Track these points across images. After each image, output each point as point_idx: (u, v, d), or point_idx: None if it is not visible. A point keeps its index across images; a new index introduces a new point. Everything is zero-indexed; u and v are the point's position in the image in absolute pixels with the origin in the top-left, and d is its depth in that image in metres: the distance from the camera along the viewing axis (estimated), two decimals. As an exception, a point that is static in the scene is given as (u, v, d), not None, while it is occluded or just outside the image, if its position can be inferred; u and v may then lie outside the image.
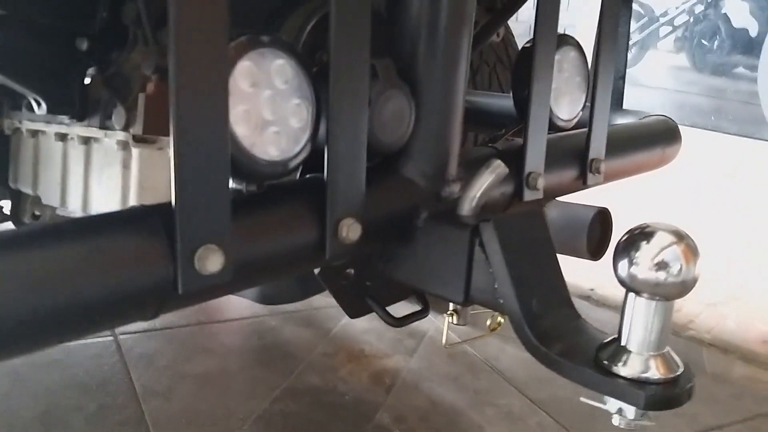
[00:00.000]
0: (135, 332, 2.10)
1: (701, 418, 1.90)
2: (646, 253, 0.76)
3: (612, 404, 0.80)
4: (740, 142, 3.66)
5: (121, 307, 0.66)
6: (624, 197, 2.01)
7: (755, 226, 2.70)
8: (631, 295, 0.78)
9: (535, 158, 1.05)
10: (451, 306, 1.01)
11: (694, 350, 2.31)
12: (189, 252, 0.66)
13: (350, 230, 0.79)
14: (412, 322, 1.01)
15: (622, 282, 0.77)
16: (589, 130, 1.17)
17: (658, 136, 1.42)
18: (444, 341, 1.09)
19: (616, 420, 0.81)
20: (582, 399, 0.85)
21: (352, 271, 0.97)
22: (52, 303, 0.61)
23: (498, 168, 0.91)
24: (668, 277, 0.75)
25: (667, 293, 0.76)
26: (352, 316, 1.00)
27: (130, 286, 0.65)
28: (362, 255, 0.93)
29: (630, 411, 0.79)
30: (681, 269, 0.75)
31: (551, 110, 1.09)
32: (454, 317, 1.01)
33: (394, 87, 0.87)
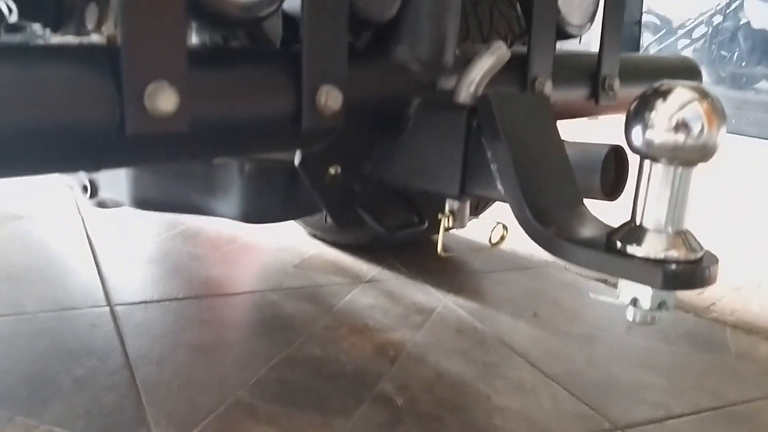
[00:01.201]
0: (131, 303, 2.03)
1: (725, 393, 1.78)
2: (662, 112, 0.67)
3: (625, 294, 0.71)
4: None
5: (60, 146, 0.57)
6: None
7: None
8: (647, 163, 0.69)
9: (541, 61, 0.96)
10: (447, 207, 0.92)
11: (716, 330, 2.20)
12: (137, 87, 0.58)
13: (329, 97, 0.71)
14: (406, 231, 0.92)
15: (635, 149, 0.68)
16: (602, 43, 1.08)
17: (677, 71, 1.33)
18: (439, 249, 1.00)
19: (630, 313, 0.71)
20: (591, 295, 0.76)
21: (339, 170, 0.88)
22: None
23: (499, 49, 0.82)
24: (688, 139, 0.66)
25: (687, 158, 0.66)
26: (341, 226, 0.92)
27: (70, 121, 0.56)
28: (346, 144, 0.85)
29: (646, 298, 0.69)
30: (703, 130, 0.66)
31: (561, 13, 1.00)
32: (450, 219, 0.92)
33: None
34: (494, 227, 0.92)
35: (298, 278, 2.30)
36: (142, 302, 2.03)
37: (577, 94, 1.09)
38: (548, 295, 2.34)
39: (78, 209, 2.93)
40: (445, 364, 1.83)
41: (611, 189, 1.27)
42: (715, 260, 0.69)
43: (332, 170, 0.87)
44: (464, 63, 0.85)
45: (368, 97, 0.78)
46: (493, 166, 0.76)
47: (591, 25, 1.10)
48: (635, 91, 1.23)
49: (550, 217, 0.74)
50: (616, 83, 1.11)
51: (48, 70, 0.57)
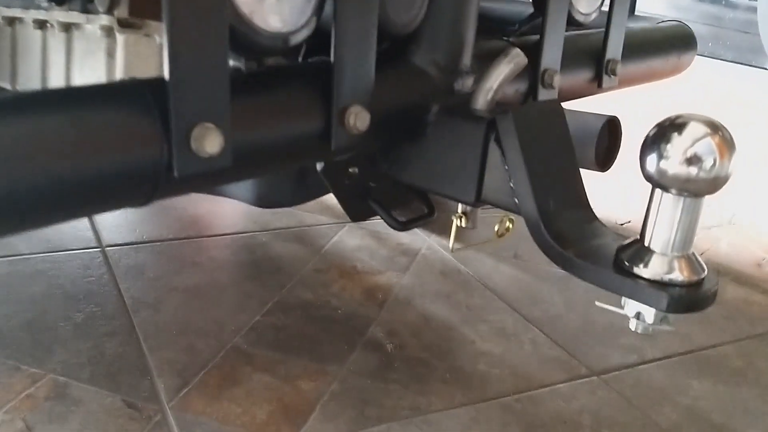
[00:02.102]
0: (122, 245, 2.05)
1: (694, 337, 1.89)
2: (677, 145, 0.70)
3: (630, 308, 0.77)
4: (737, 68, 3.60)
5: (111, 189, 0.60)
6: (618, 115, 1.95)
7: (750, 151, 2.67)
8: (658, 191, 0.73)
9: (552, 53, 0.98)
10: (460, 208, 0.96)
11: (687, 272, 2.31)
12: (184, 131, 0.60)
13: (358, 119, 0.73)
14: (417, 225, 0.96)
15: (649, 177, 0.72)
16: (608, 28, 1.10)
17: (674, 42, 1.35)
18: (451, 245, 1.05)
19: (633, 324, 0.78)
20: (597, 303, 0.81)
21: (356, 170, 0.91)
22: (32, 179, 0.55)
23: (517, 57, 0.84)
24: (700, 172, 0.70)
25: (698, 189, 0.71)
26: (354, 219, 0.96)
27: (120, 165, 0.59)
28: (369, 150, 0.87)
29: (649, 314, 0.75)
30: (715, 164, 0.70)
31: (570, 2, 1.01)
32: (463, 220, 0.96)
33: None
34: (502, 220, 0.97)
35: (286, 218, 2.33)
36: (132, 243, 2.06)
37: (581, 78, 1.11)
38: (528, 235, 2.42)
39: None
40: (431, 308, 1.91)
41: (604, 160, 1.32)
42: (715, 280, 0.75)
43: (350, 170, 0.90)
44: (480, 65, 0.87)
45: (390, 105, 0.80)
46: (511, 182, 0.79)
47: (599, 12, 1.11)
48: (632, 67, 1.26)
49: (566, 237, 0.78)
50: (619, 66, 1.13)
51: (98, 116, 0.58)
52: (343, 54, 0.71)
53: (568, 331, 1.86)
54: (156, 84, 0.59)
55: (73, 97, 0.58)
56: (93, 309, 1.73)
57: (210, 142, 0.60)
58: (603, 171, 1.31)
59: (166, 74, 0.58)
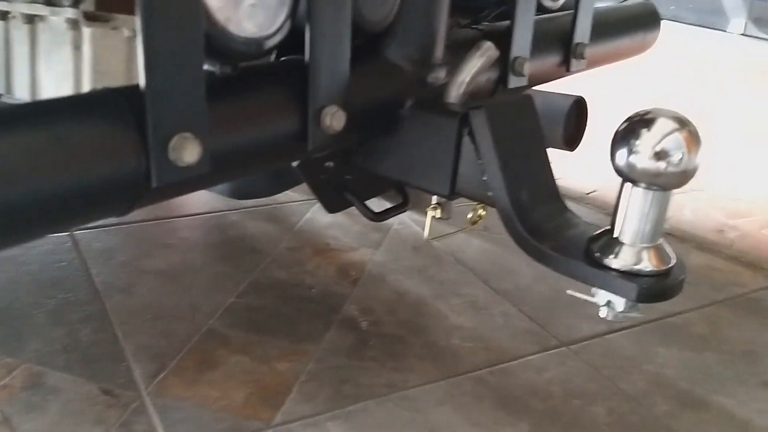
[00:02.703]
0: (91, 228, 2.02)
1: (660, 305, 1.94)
2: (646, 141, 0.72)
3: (601, 297, 0.79)
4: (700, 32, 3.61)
5: (90, 203, 0.60)
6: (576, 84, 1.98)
7: (712, 116, 2.71)
8: (628, 185, 0.75)
9: (522, 41, 0.99)
10: (435, 199, 0.97)
11: (652, 240, 2.36)
12: (162, 141, 0.60)
13: (334, 119, 0.73)
14: (392, 216, 0.97)
15: (619, 171, 0.74)
16: (576, 11, 1.11)
17: (640, 21, 1.37)
18: (426, 235, 1.06)
19: (603, 312, 0.80)
20: (569, 292, 0.84)
21: (332, 164, 0.92)
22: (10, 196, 0.55)
23: (489, 51, 0.85)
24: (669, 167, 0.72)
25: (666, 183, 0.73)
26: (330, 211, 0.96)
27: (98, 179, 0.58)
28: (345, 146, 0.88)
29: (619, 303, 0.78)
30: (682, 158, 0.72)
31: (538, -11, 1.02)
32: (438, 211, 0.97)
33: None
34: (475, 208, 0.98)
35: (257, 195, 2.32)
36: (101, 227, 2.04)
37: (550, 62, 1.12)
38: (497, 207, 2.45)
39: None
40: (404, 284, 1.93)
41: (571, 140, 1.34)
42: (683, 269, 0.78)
43: (326, 165, 0.91)
44: (453, 56, 0.87)
45: (365, 101, 0.80)
46: (485, 176, 0.81)
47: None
48: (599, 49, 1.28)
49: (540, 229, 0.80)
50: (587, 50, 1.14)
51: (74, 130, 0.57)
52: (318, 55, 0.71)
53: (538, 302, 1.90)
54: (131, 93, 0.59)
55: (48, 110, 0.58)
56: (65, 295, 1.72)
57: (188, 151, 0.60)
58: (571, 150, 1.33)
59: (143, 84, 0.58)
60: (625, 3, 1.40)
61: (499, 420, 1.46)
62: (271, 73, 0.74)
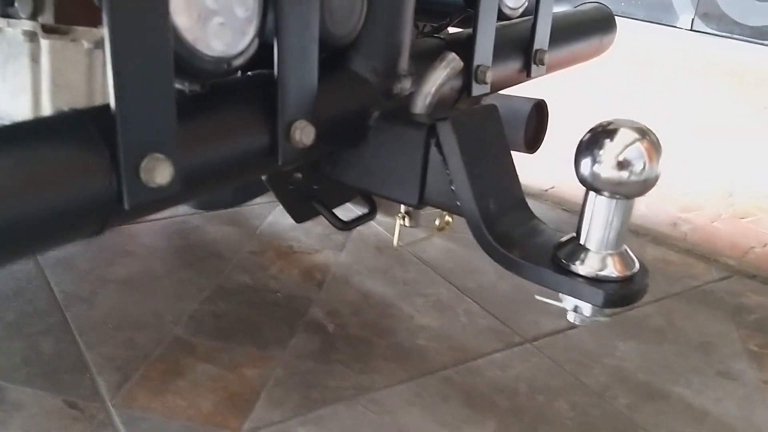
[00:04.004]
0: (48, 236, 1.98)
1: (618, 299, 2.00)
2: (609, 151, 0.74)
3: (568, 302, 0.81)
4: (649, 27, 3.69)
5: (61, 226, 0.59)
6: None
7: (663, 111, 2.77)
8: (592, 193, 0.77)
9: (484, 49, 1.00)
10: (403, 208, 0.99)
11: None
12: (133, 163, 0.60)
13: (303, 133, 0.73)
14: (360, 224, 0.98)
15: (583, 181, 0.76)
16: (535, 19, 1.13)
17: (596, 25, 1.40)
18: (395, 242, 1.08)
19: (571, 317, 0.82)
20: (537, 297, 0.86)
21: (300, 175, 0.92)
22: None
23: (453, 62, 0.86)
24: (631, 176, 0.74)
25: (629, 192, 0.75)
26: (297, 221, 0.97)
27: (69, 201, 0.58)
28: (313, 159, 0.88)
29: (587, 308, 0.80)
30: (644, 167, 0.74)
31: (499, -2, 1.04)
32: (406, 219, 0.98)
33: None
34: (442, 215, 1.00)
35: (217, 199, 2.30)
36: (60, 234, 1.99)
37: (510, 69, 1.14)
38: (458, 205, 2.47)
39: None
40: (368, 285, 1.94)
41: (532, 142, 1.36)
42: (647, 272, 0.80)
43: (294, 176, 0.91)
44: (417, 66, 0.88)
45: (333, 114, 0.80)
46: (453, 185, 0.82)
47: (526, 5, 1.14)
48: (558, 54, 1.30)
49: (507, 237, 0.81)
50: (547, 56, 1.16)
51: (43, 153, 0.56)
52: (287, 71, 0.71)
53: (501, 299, 1.93)
54: (101, 114, 0.58)
55: (19, 133, 0.57)
56: (23, 306, 1.69)
57: (160, 173, 0.60)
58: (531, 153, 1.35)
59: (113, 105, 0.57)
60: (580, 8, 1.43)
61: (466, 419, 1.48)
62: (240, 90, 0.74)
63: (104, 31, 0.57)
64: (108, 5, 0.55)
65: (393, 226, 2.22)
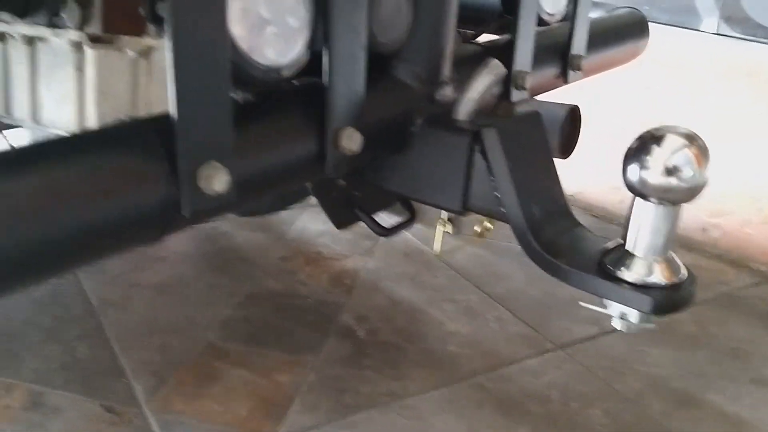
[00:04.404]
0: (81, 242, 2.01)
1: (649, 305, 1.98)
2: (657, 157, 0.74)
3: (614, 309, 0.81)
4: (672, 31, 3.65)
5: (123, 233, 0.60)
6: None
7: (691, 113, 2.74)
8: (639, 200, 0.77)
9: (523, 55, 1.01)
10: (445, 214, 0.99)
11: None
12: (192, 171, 0.60)
13: (351, 140, 0.74)
14: (401, 231, 0.98)
15: (631, 187, 0.76)
16: (572, 24, 1.13)
17: (630, 30, 1.39)
18: (437, 249, 1.08)
19: (618, 324, 0.82)
20: (581, 303, 0.85)
21: (343, 182, 0.93)
22: (45, 231, 0.55)
23: (496, 68, 0.87)
24: (679, 182, 0.74)
25: (677, 198, 0.75)
26: (339, 227, 0.97)
27: (130, 209, 0.59)
28: (359, 166, 0.89)
29: (634, 315, 0.79)
30: (692, 173, 0.74)
31: (538, 4, 1.04)
32: (448, 226, 0.98)
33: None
34: (482, 221, 1.00)
35: (246, 205, 2.31)
36: (92, 240, 2.02)
37: (548, 74, 1.14)
38: (485, 211, 2.47)
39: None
40: (398, 291, 1.94)
41: (566, 148, 1.36)
42: (694, 279, 0.80)
43: (338, 183, 0.92)
44: (459, 73, 0.88)
45: (379, 122, 0.81)
46: (497, 192, 0.82)
47: (564, 12, 1.14)
48: (594, 58, 1.30)
49: (553, 244, 0.81)
50: (584, 62, 1.17)
51: (106, 163, 0.58)
52: (336, 79, 0.72)
53: (531, 306, 1.92)
54: (160, 123, 0.59)
55: (81, 144, 0.58)
56: (59, 312, 1.71)
57: (218, 180, 0.60)
58: (565, 158, 1.35)
59: (173, 114, 0.58)
60: (614, 13, 1.43)
61: (500, 426, 1.48)
62: (289, 98, 0.75)
63: (166, 42, 0.58)
64: (171, 17, 0.56)
65: (422, 233, 2.23)
